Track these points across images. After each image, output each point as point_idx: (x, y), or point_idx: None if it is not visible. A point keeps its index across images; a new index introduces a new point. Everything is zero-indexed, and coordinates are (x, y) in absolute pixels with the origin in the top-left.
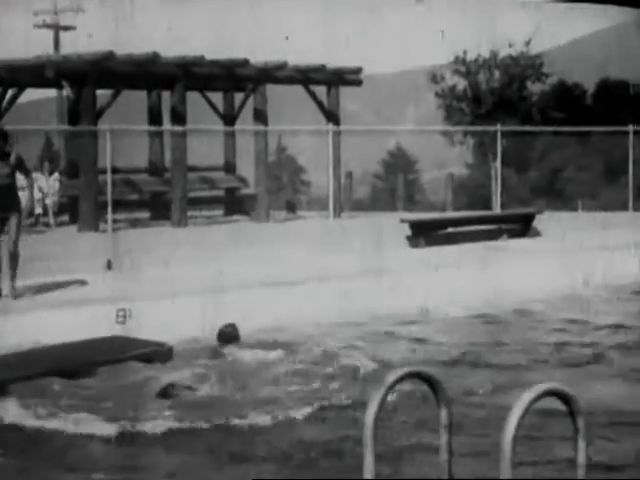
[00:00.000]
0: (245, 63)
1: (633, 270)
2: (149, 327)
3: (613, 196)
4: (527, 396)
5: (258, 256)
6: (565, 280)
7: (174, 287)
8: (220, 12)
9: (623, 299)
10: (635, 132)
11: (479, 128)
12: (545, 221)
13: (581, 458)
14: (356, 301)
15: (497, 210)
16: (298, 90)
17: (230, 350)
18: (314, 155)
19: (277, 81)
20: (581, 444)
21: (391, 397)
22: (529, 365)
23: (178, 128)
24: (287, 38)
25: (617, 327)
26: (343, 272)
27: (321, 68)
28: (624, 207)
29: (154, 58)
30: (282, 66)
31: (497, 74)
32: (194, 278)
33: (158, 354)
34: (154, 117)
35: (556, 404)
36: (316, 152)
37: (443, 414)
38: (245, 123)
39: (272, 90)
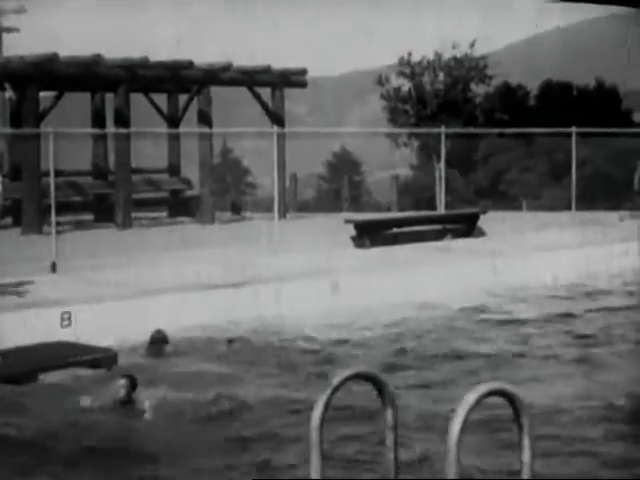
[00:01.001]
0: (189, 65)
1: (567, 271)
2: (92, 330)
3: (556, 196)
4: (471, 396)
5: (201, 258)
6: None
7: (117, 290)
8: (171, 12)
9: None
10: (578, 133)
11: (423, 130)
12: (489, 221)
13: (526, 456)
14: (296, 303)
15: (441, 211)
16: (243, 92)
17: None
18: (259, 157)
19: (222, 83)
20: (525, 442)
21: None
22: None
23: (122, 130)
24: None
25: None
26: (285, 273)
27: (266, 70)
28: (567, 207)
29: (97, 60)
30: (226, 68)
31: (441, 76)
32: (137, 280)
33: (103, 360)
34: (98, 119)
35: None
36: (261, 154)
37: (388, 414)
38: (190, 125)
39: (217, 92)
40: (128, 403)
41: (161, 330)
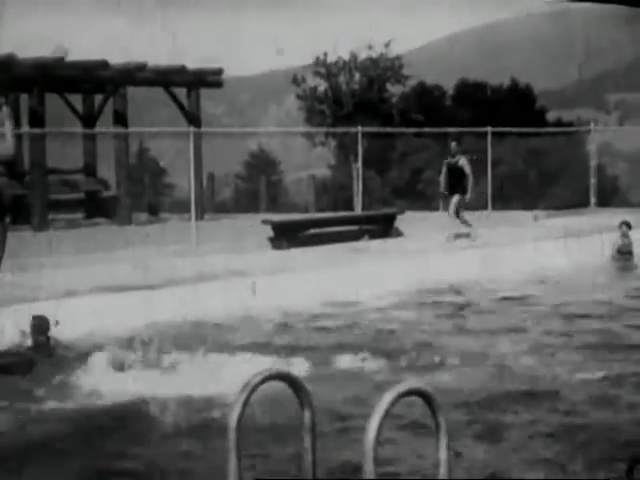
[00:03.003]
0: (104, 65)
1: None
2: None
3: (473, 196)
4: (388, 396)
5: (117, 260)
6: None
7: (25, 292)
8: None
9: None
10: (493, 133)
11: (340, 130)
12: (407, 221)
13: (443, 455)
14: (213, 304)
15: (359, 211)
16: (159, 92)
17: None
18: (176, 157)
19: (137, 83)
20: (442, 441)
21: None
22: None
23: (37, 130)
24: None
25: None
26: (203, 274)
27: (181, 70)
28: (484, 207)
29: (10, 60)
30: (141, 68)
31: (357, 76)
32: (50, 283)
33: (17, 365)
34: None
35: None
36: (178, 154)
37: (306, 416)
38: (105, 126)
39: (133, 92)
40: None
41: (41, 316)
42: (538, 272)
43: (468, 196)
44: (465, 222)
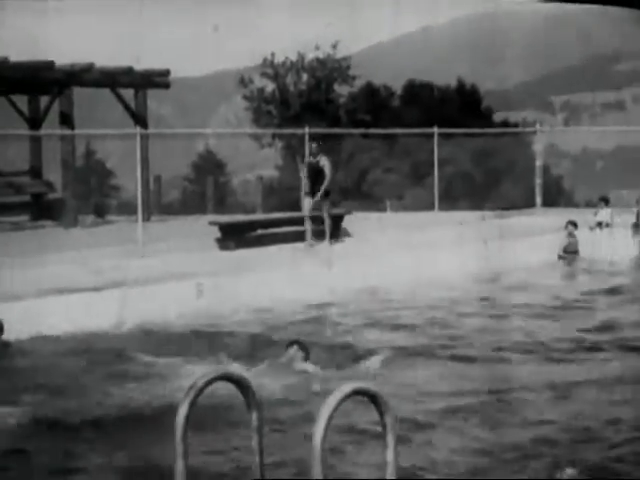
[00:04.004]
0: (50, 66)
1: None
2: None
3: (420, 196)
4: (334, 397)
5: (63, 262)
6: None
7: None
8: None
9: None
10: (440, 133)
11: (287, 130)
12: (354, 222)
13: (390, 456)
14: (160, 306)
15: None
16: (106, 93)
17: None
18: (123, 159)
19: (83, 84)
20: (390, 441)
21: None
22: None
23: None
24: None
25: None
26: (149, 276)
27: (128, 71)
28: (430, 207)
29: None
30: (88, 69)
31: (305, 77)
32: None
33: None
34: None
35: None
36: (125, 156)
37: (253, 417)
38: (51, 127)
39: (80, 93)
40: None
41: None
42: (483, 272)
43: (327, 196)
44: (329, 225)
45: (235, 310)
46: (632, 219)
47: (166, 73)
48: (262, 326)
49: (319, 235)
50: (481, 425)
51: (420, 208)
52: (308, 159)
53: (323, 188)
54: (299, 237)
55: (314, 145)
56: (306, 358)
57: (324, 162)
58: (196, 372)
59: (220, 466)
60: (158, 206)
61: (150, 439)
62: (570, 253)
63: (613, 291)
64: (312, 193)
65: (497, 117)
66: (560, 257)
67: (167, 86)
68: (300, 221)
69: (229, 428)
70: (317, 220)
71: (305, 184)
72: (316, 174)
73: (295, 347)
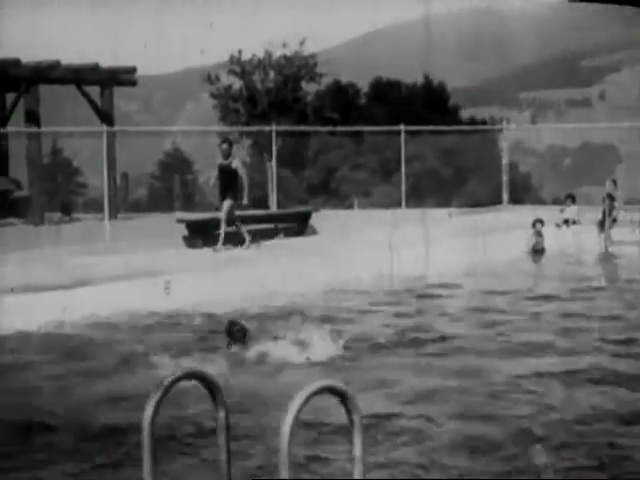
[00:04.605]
0: (16, 63)
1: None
2: None
3: (387, 194)
4: (302, 394)
5: (30, 260)
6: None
7: None
8: None
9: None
10: (407, 131)
11: (254, 128)
12: (322, 219)
13: (357, 452)
14: (127, 303)
15: (274, 209)
16: (73, 90)
17: None
18: (90, 157)
19: (49, 81)
20: (357, 438)
21: None
22: None
23: None
24: None
25: None
26: (117, 274)
27: (94, 68)
28: (398, 204)
29: None
30: (54, 66)
31: (272, 74)
32: None
33: None
34: None
35: None
36: (92, 154)
37: (220, 415)
38: (18, 125)
39: (46, 90)
40: None
41: None
42: (452, 270)
43: (243, 201)
44: (239, 229)
45: (199, 305)
46: (598, 216)
47: (132, 70)
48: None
49: (289, 232)
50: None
51: (387, 205)
52: (219, 161)
53: (245, 191)
54: (267, 234)
55: (225, 146)
56: (243, 340)
57: (237, 164)
58: None
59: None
60: (125, 204)
61: None
62: (537, 251)
63: (579, 288)
64: (223, 196)
65: (464, 114)
66: (527, 254)
67: (133, 83)
68: (267, 218)
69: None
70: (286, 218)
71: (217, 187)
72: (228, 176)
73: (236, 328)
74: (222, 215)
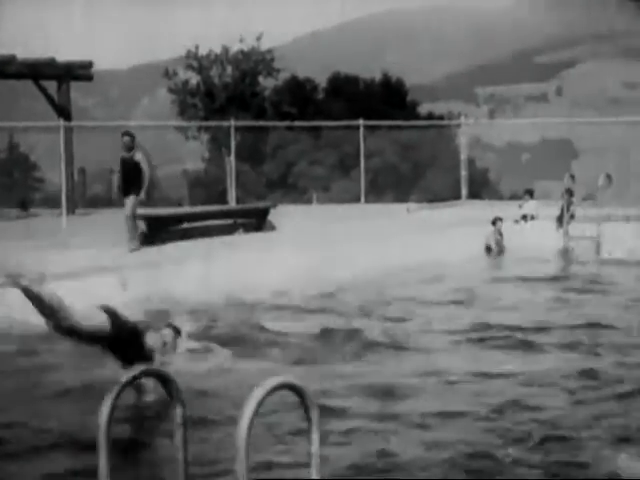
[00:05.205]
0: None
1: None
2: None
3: (346, 189)
4: (259, 391)
5: None
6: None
7: None
8: None
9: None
10: (365, 126)
11: (212, 123)
12: (280, 215)
13: (315, 449)
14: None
15: (233, 204)
16: (29, 85)
17: None
18: (47, 152)
19: (5, 76)
20: (314, 435)
21: None
22: None
23: None
24: None
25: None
26: (74, 270)
27: (50, 63)
28: (357, 199)
29: None
30: (10, 60)
31: (229, 69)
32: None
33: None
34: None
35: None
36: (49, 149)
37: (177, 412)
38: None
39: (3, 85)
40: None
41: None
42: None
43: (142, 196)
44: (133, 229)
45: (148, 301)
46: (557, 212)
47: (89, 65)
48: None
49: (248, 228)
50: None
51: (346, 200)
52: (122, 154)
53: (145, 186)
54: (226, 230)
55: (126, 138)
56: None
57: (139, 157)
58: None
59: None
60: (83, 199)
61: None
62: (496, 250)
63: (538, 282)
64: (125, 191)
65: (422, 109)
66: (488, 251)
67: (90, 78)
68: (226, 214)
69: None
70: (245, 213)
71: (117, 183)
72: (130, 170)
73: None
74: (126, 212)
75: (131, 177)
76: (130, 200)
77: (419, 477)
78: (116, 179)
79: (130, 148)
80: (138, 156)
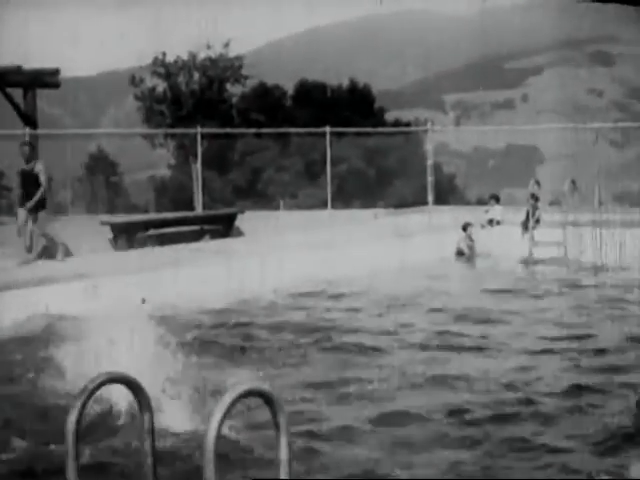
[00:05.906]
0: None
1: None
2: None
3: (313, 195)
4: (228, 397)
5: None
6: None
7: None
8: None
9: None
10: (332, 133)
11: (179, 130)
12: (247, 221)
13: (283, 454)
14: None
15: (199, 211)
16: None
17: None
18: (13, 160)
19: None
20: (283, 441)
21: None
22: None
23: None
24: None
25: None
26: (42, 277)
27: (17, 70)
28: (324, 206)
29: None
30: None
31: (197, 76)
32: None
33: None
34: None
35: None
36: (15, 156)
37: (146, 418)
38: None
39: None
40: None
41: None
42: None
43: (29, 206)
44: (30, 240)
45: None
46: (522, 217)
47: (56, 72)
48: None
49: (215, 234)
50: None
51: (314, 207)
52: (21, 166)
53: (37, 197)
54: (193, 236)
55: (26, 148)
56: None
57: (39, 168)
58: None
59: None
60: (50, 206)
61: None
62: (469, 252)
63: (505, 290)
64: (23, 203)
65: (389, 116)
66: (458, 254)
67: (57, 85)
68: (193, 220)
69: None
70: (212, 220)
71: (18, 194)
72: (30, 182)
73: None
74: (19, 222)
75: (30, 189)
76: (23, 211)
77: None
78: (17, 191)
79: (30, 159)
80: (38, 167)
